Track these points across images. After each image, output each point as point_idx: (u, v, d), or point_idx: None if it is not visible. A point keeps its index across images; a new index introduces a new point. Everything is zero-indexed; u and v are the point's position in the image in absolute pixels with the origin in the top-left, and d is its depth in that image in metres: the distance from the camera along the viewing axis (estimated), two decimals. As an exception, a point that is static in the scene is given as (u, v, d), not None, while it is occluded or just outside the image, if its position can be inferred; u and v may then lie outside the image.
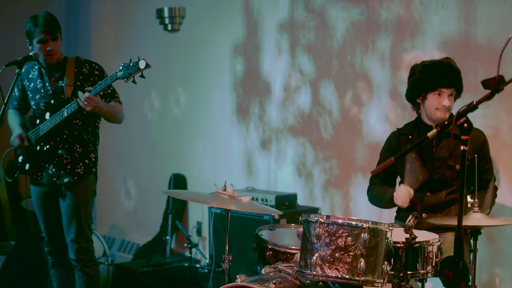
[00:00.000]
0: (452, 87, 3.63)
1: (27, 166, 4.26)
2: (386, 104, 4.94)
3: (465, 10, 4.46)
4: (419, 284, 3.38)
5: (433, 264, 3.21)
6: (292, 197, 5.15)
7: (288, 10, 5.53)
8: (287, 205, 5.05)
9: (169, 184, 6.42)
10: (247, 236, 4.45)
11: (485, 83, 2.73)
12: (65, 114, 4.04)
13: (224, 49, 6.05)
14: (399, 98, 4.79)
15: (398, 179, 3.88)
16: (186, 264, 5.54)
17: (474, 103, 2.73)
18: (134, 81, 3.89)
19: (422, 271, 3.18)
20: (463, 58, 4.43)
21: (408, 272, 3.15)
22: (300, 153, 5.53)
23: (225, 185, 3.47)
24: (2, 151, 4.52)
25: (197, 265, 5.62)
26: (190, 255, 5.40)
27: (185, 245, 5.43)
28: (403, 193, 3.58)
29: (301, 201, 5.33)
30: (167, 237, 6.08)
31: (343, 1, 5.17)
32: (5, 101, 3.69)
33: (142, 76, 3.88)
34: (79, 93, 3.94)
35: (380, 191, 3.79)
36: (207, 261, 5.66)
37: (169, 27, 6.44)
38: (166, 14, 6.38)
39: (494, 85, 2.70)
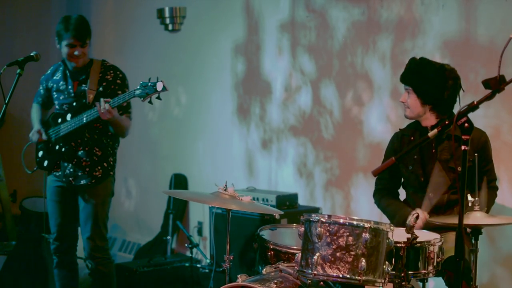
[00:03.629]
0: (406, 84, 3.67)
1: (45, 163, 4.35)
2: (387, 104, 4.94)
3: (466, 10, 4.46)
4: (420, 284, 3.37)
5: (434, 264, 3.21)
6: (293, 197, 5.15)
7: (289, 10, 5.54)
8: (288, 205, 5.05)
9: (170, 184, 6.42)
10: (248, 236, 4.45)
11: (486, 83, 2.73)
12: (84, 120, 4.11)
13: (225, 49, 6.06)
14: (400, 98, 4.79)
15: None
16: (187, 264, 5.55)
17: (475, 102, 2.73)
18: (150, 102, 3.92)
19: (423, 271, 3.17)
20: (464, 58, 4.43)
21: (409, 272, 3.15)
22: (301, 153, 5.53)
23: (226, 185, 3.48)
24: (2, 151, 4.54)
25: (198, 265, 5.62)
26: (191, 255, 5.40)
27: (186, 245, 5.43)
28: (418, 223, 3.55)
29: (302, 201, 5.33)
30: (168, 237, 6.08)
31: (343, 1, 5.17)
32: (6, 101, 3.69)
33: (158, 98, 3.92)
34: (101, 100, 3.99)
35: (390, 209, 3.77)
36: (208, 261, 5.66)
37: (170, 27, 6.44)
38: (167, 14, 6.38)
39: (495, 85, 2.71)
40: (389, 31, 4.90)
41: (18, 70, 3.81)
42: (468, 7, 4.45)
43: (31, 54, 4.02)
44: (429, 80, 3.59)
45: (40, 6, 7.48)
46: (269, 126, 5.76)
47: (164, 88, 3.87)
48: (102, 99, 4.00)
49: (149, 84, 3.90)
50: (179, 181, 6.40)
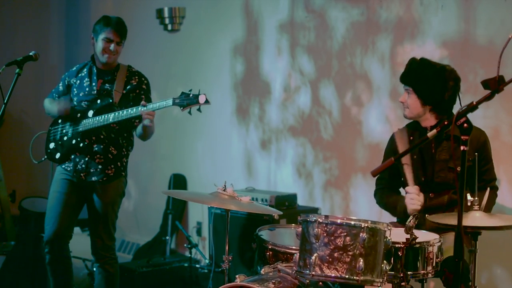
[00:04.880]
0: (406, 84, 3.67)
1: (57, 155, 4.36)
2: (386, 105, 4.94)
3: (465, 10, 4.46)
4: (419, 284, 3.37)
5: (434, 265, 3.21)
6: (292, 197, 5.15)
7: (288, 10, 5.54)
8: (287, 205, 5.05)
9: (169, 184, 6.42)
10: (246, 236, 4.45)
11: (485, 84, 2.73)
12: (111, 120, 4.14)
13: (224, 50, 6.06)
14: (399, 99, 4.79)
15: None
16: (186, 264, 5.54)
17: (474, 103, 2.73)
18: (190, 112, 3.95)
19: (422, 272, 3.17)
20: (463, 59, 4.43)
21: (409, 273, 3.15)
22: (300, 153, 5.53)
23: (225, 185, 3.47)
24: (1, 151, 4.53)
25: (197, 265, 5.62)
26: (190, 255, 5.40)
27: (185, 245, 5.43)
28: (413, 195, 3.56)
29: (301, 202, 5.33)
30: (167, 237, 6.08)
31: (343, 1, 5.17)
32: (5, 101, 3.68)
33: (199, 110, 3.96)
34: (143, 108, 4.04)
35: (391, 201, 3.78)
36: (207, 261, 5.66)
37: (169, 27, 6.44)
38: (166, 14, 6.38)
39: (494, 85, 2.71)
40: (388, 32, 4.90)
41: (17, 70, 3.81)
42: (467, 7, 4.45)
43: (30, 53, 4.01)
44: (430, 81, 3.59)
45: (39, 6, 7.48)
46: (268, 126, 5.76)
47: (207, 101, 3.89)
48: (142, 102, 4.05)
49: (191, 95, 3.94)
50: (178, 181, 6.40)
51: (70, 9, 7.54)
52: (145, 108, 4.01)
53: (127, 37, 4.35)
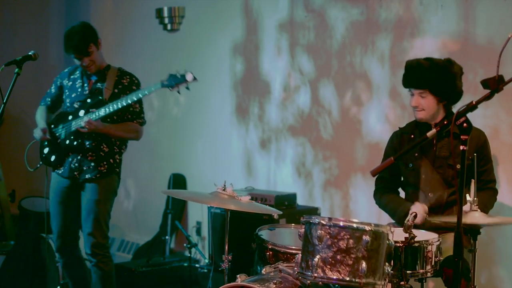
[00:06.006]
0: (419, 88, 3.63)
1: (52, 158, 4.39)
2: (386, 104, 4.94)
3: (464, 10, 4.46)
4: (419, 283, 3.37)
5: (432, 264, 3.21)
6: (292, 197, 5.14)
7: (288, 10, 5.53)
8: (286, 205, 5.05)
9: (169, 184, 6.42)
10: (246, 236, 4.45)
11: (485, 83, 2.73)
12: (102, 114, 4.18)
13: (224, 49, 6.05)
14: (399, 98, 4.79)
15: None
16: (185, 264, 5.54)
17: (474, 102, 2.74)
18: (179, 91, 4.05)
19: (421, 271, 3.18)
20: (462, 58, 4.42)
21: (408, 272, 3.15)
22: (299, 153, 5.52)
23: (224, 185, 3.48)
24: (1, 151, 4.53)
25: (197, 265, 5.62)
26: (189, 255, 5.40)
27: (185, 245, 5.43)
28: (420, 213, 3.55)
29: (300, 201, 5.32)
30: (167, 237, 6.08)
31: (342, 1, 5.16)
32: (4, 101, 3.68)
33: (187, 88, 4.07)
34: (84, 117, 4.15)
35: (391, 206, 3.77)
36: (207, 261, 5.66)
37: (169, 27, 6.44)
38: (165, 13, 6.38)
39: (494, 85, 2.71)
40: (388, 31, 4.90)
41: (16, 70, 3.80)
42: (467, 7, 4.45)
43: (29, 53, 4.00)
44: (445, 78, 3.60)
45: (38, 5, 7.47)
46: (268, 126, 5.76)
47: (195, 78, 4.01)
48: (85, 117, 4.15)
49: (178, 75, 4.02)
50: (178, 181, 6.40)
51: (69, 9, 7.54)
52: (87, 117, 4.13)
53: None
